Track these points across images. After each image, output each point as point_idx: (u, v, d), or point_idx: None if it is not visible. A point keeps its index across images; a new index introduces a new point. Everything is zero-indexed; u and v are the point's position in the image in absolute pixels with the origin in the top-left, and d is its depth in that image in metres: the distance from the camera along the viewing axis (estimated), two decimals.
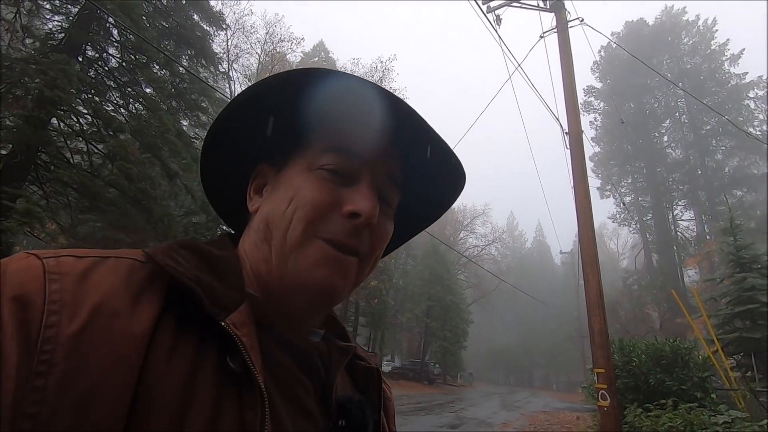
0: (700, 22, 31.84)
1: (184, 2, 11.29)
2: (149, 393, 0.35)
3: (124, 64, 10.01)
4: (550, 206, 19.20)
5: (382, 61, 25.52)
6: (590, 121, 34.49)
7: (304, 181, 0.48)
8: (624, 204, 30.34)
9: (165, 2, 10.89)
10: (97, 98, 9.24)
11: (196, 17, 11.71)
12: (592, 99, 34.46)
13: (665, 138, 33.02)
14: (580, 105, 8.38)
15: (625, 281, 29.11)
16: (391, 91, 0.52)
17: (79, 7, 9.07)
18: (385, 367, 27.08)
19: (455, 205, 0.61)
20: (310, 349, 0.50)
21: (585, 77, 37.88)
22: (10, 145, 7.74)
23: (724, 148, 29.98)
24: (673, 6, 33.32)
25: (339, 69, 0.57)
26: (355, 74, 0.48)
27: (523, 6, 9.34)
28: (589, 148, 29.12)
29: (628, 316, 23.69)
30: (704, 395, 6.78)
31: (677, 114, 32.30)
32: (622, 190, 32.42)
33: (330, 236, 0.47)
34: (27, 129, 7.36)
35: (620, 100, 30.72)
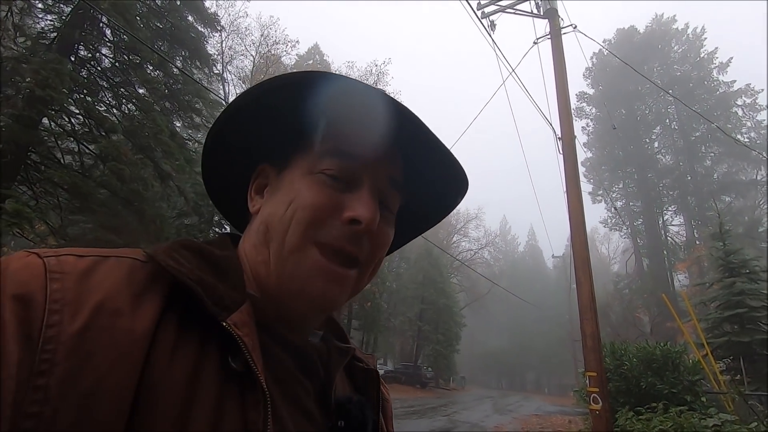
0: (689, 31, 32.40)
1: (178, 3, 11.25)
2: (152, 392, 0.35)
3: (117, 64, 9.94)
4: (542, 210, 19.37)
5: (377, 65, 25.62)
6: (582, 127, 34.89)
7: (305, 184, 0.48)
8: (615, 209, 30.67)
9: (159, 3, 10.84)
10: (89, 98, 9.16)
11: (190, 18, 11.67)
12: (584, 105, 34.85)
13: (656, 144, 33.47)
14: (572, 110, 8.46)
15: (616, 285, 29.41)
16: (392, 95, 0.52)
17: (71, 6, 8.99)
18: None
19: None
20: (310, 350, 0.50)
21: (577, 83, 38.30)
22: (0, 145, 7.64)
23: (712, 154, 30.45)
24: (663, 14, 33.88)
25: (335, 72, 0.57)
26: (358, 80, 0.48)
27: (517, 12, 9.43)
28: (581, 153, 29.42)
29: (619, 319, 23.89)
30: (694, 398, 6.85)
31: (667, 120, 32.76)
32: (614, 195, 32.77)
33: (329, 240, 0.46)
34: (17, 128, 7.27)
35: (612, 106, 31.11)
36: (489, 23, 9.44)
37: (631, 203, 32.75)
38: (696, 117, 27.26)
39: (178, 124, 11.62)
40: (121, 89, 9.94)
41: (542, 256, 62.73)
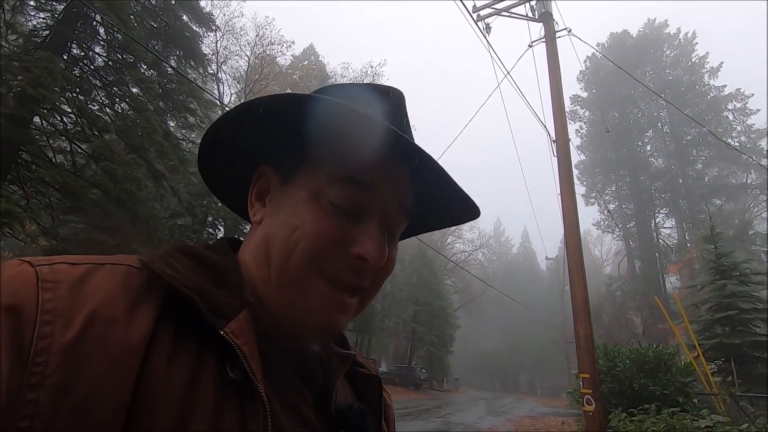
0: (681, 35, 32.79)
1: (173, 2, 11.19)
2: (147, 403, 0.34)
3: (110, 63, 9.85)
4: (536, 212, 19.49)
5: (372, 66, 25.63)
6: (576, 130, 35.15)
7: (311, 211, 0.46)
8: (609, 211, 30.91)
9: (153, 2, 10.77)
10: (81, 97, 9.07)
11: (185, 17, 11.60)
12: (578, 108, 35.12)
13: (648, 147, 33.80)
14: (566, 113, 8.52)
15: (609, 287, 29.60)
16: (408, 127, 0.53)
17: (64, 4, 8.91)
18: None
19: None
20: (310, 357, 0.50)
21: (571, 86, 38.62)
22: None
23: (704, 158, 30.81)
24: (655, 19, 34.26)
25: (346, 80, 0.56)
26: (375, 106, 0.48)
27: (512, 15, 9.49)
28: (575, 156, 29.68)
29: (612, 321, 24.05)
30: (686, 400, 6.91)
31: (659, 124, 33.11)
32: (606, 198, 33.02)
33: (333, 273, 0.45)
34: (8, 127, 7.17)
35: (605, 109, 31.39)
36: (484, 26, 9.50)
37: (623, 206, 33.04)
38: (687, 121, 27.58)
39: (172, 124, 11.55)
40: (115, 88, 9.86)
41: (536, 258, 63.09)
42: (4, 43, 8.06)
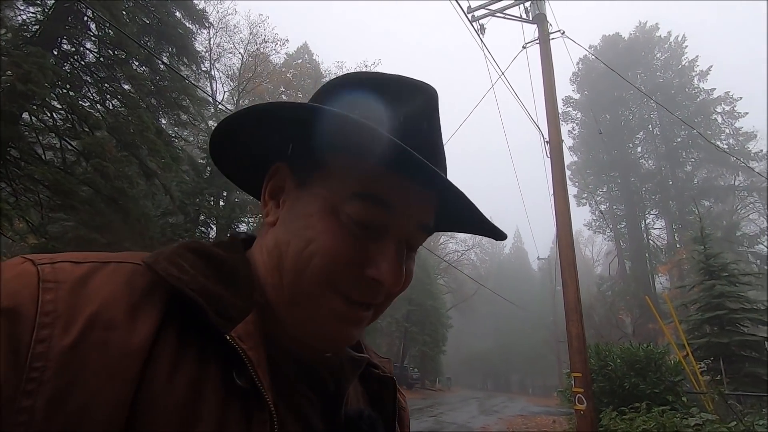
0: (671, 39, 33.18)
1: None
2: (147, 413, 0.33)
3: (101, 59, 9.73)
4: (528, 213, 19.61)
5: (366, 66, 25.59)
6: (568, 131, 35.41)
7: (327, 226, 0.43)
8: (601, 212, 31.20)
9: None
10: (72, 93, 8.95)
11: (178, 14, 11.50)
12: (570, 109, 35.40)
13: (639, 149, 34.16)
14: (559, 114, 8.59)
15: (600, 287, 29.88)
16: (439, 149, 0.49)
17: None
18: None
19: None
20: (319, 362, 0.48)
21: (564, 87, 38.96)
22: None
23: (693, 160, 31.22)
24: (646, 22, 34.64)
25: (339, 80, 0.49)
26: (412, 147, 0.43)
27: (507, 17, 9.55)
28: (567, 157, 29.87)
29: (602, 321, 24.27)
30: (676, 398, 7.01)
31: (650, 126, 33.49)
32: (598, 199, 33.32)
33: (347, 292, 0.44)
34: None
35: (597, 110, 31.69)
36: (479, 26, 9.53)
37: (614, 207, 33.37)
38: (677, 123, 27.93)
39: (164, 122, 11.44)
40: (106, 85, 9.73)
41: (527, 258, 63.44)
42: None
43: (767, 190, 26.30)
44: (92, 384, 0.32)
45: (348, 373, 0.50)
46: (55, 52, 9.06)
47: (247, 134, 0.50)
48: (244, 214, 15.38)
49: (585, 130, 34.05)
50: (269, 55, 21.67)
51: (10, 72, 7.05)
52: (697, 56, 31.63)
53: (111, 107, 9.81)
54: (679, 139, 31.36)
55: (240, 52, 21.06)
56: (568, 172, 8.48)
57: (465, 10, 9.10)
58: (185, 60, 11.65)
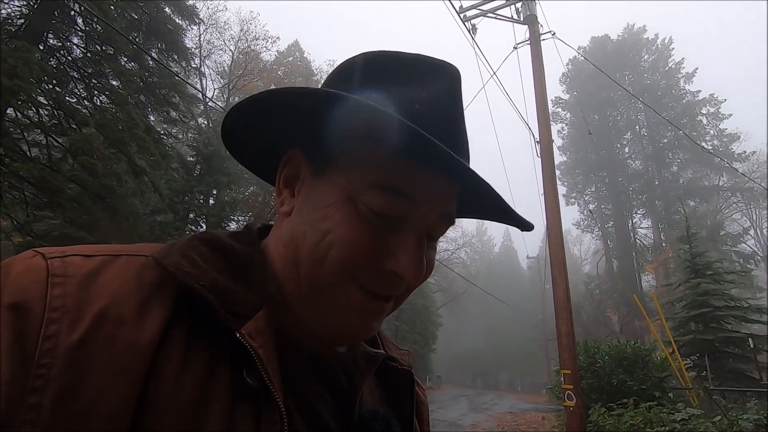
0: (658, 41, 33.66)
1: None
2: (155, 411, 0.33)
3: (89, 54, 9.56)
4: (518, 211, 19.74)
5: None
6: (558, 131, 35.74)
7: (345, 216, 0.42)
8: (590, 211, 31.56)
9: None
10: (58, 89, 8.78)
11: (167, 10, 11.34)
12: (560, 109, 35.72)
13: (626, 149, 34.62)
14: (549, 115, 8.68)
15: (588, 286, 30.27)
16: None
17: None
18: None
19: None
20: (333, 359, 0.47)
21: (554, 88, 39.31)
22: None
23: (679, 160, 31.74)
24: (634, 24, 35.09)
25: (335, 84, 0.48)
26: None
27: (498, 17, 9.61)
28: (556, 157, 30.17)
29: (590, 319, 24.58)
30: (662, 394, 7.13)
31: (637, 127, 33.95)
32: (587, 198, 33.71)
33: (366, 284, 0.42)
34: None
35: (586, 111, 32.02)
36: (471, 26, 9.58)
37: (602, 206, 33.79)
38: (664, 124, 28.36)
39: (152, 118, 11.29)
40: (93, 80, 9.57)
41: (517, 257, 63.94)
42: None
43: (750, 190, 26.91)
44: (99, 381, 0.32)
45: (362, 370, 0.48)
46: (41, 47, 8.89)
47: (260, 120, 0.48)
48: (234, 213, 15.26)
49: (574, 130, 34.40)
50: (260, 53, 21.53)
51: None
52: (683, 58, 32.19)
53: (99, 103, 9.65)
54: (665, 140, 31.87)
55: (230, 49, 20.90)
56: (557, 172, 8.58)
57: (457, 9, 9.14)
58: (175, 56, 11.50)
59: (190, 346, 0.37)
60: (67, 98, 8.88)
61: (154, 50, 11.01)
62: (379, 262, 0.42)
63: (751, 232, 31.76)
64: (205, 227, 14.87)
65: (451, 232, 37.30)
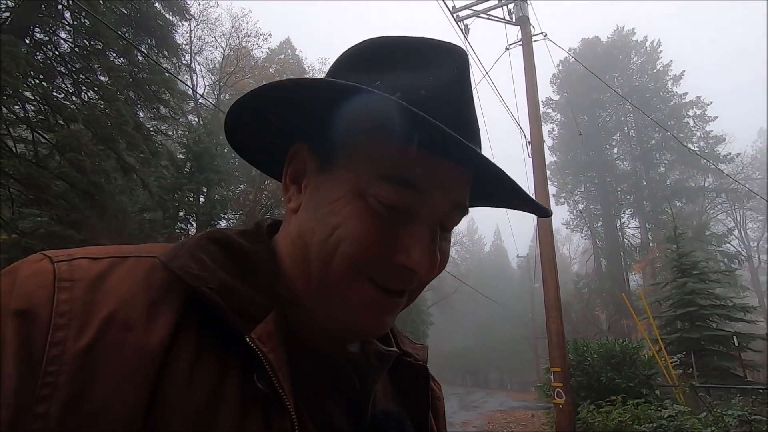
0: (647, 44, 34.12)
1: None
2: (164, 418, 0.32)
3: (77, 49, 9.40)
4: (508, 211, 19.89)
5: None
6: (548, 131, 36.04)
7: (354, 211, 0.40)
8: (580, 211, 31.89)
9: None
10: (45, 84, 8.62)
11: (158, 5, 11.21)
12: (550, 110, 36.03)
13: (615, 150, 35.05)
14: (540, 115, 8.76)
15: (576, 285, 30.62)
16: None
17: None
18: None
19: None
20: (345, 359, 0.46)
21: (545, 89, 39.64)
22: None
23: (666, 161, 32.23)
24: (624, 27, 35.52)
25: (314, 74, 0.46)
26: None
27: (491, 18, 9.66)
28: (547, 157, 30.43)
29: (579, 317, 24.88)
30: (649, 391, 7.26)
31: (626, 128, 34.39)
32: (576, 198, 34.07)
33: (378, 278, 0.41)
34: None
35: (576, 112, 32.35)
36: (464, 27, 9.62)
37: (591, 206, 34.17)
38: (652, 125, 28.77)
39: (141, 115, 11.14)
40: (82, 76, 9.41)
41: (507, 256, 64.36)
42: None
43: (734, 191, 27.44)
44: (108, 388, 0.31)
45: (375, 369, 0.47)
46: (28, 41, 8.71)
47: (262, 115, 0.46)
48: (224, 211, 15.13)
49: (564, 131, 34.73)
50: (251, 50, 21.33)
51: None
52: (671, 61, 32.68)
53: (87, 99, 9.50)
54: (653, 141, 32.32)
55: (222, 46, 20.67)
56: (547, 172, 8.65)
57: (451, 9, 9.17)
58: (165, 52, 11.36)
59: (200, 349, 0.36)
60: (55, 93, 8.72)
61: (143, 46, 10.87)
62: (390, 256, 0.40)
63: (735, 232, 32.45)
64: (195, 225, 14.72)
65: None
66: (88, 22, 8.87)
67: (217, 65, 20.58)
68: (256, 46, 21.58)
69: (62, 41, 9.49)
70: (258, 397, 0.36)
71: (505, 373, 53.43)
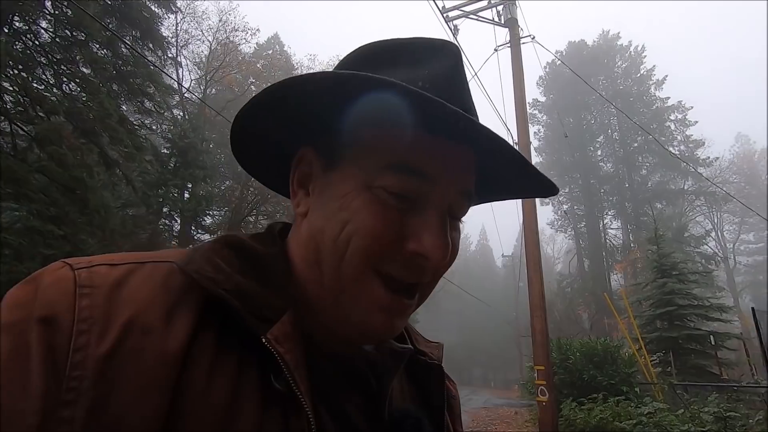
0: (631, 48, 34.78)
1: None
2: (185, 418, 0.33)
3: (58, 39, 9.14)
4: (494, 211, 20.09)
5: (339, 59, 25.29)
6: (534, 132, 36.47)
7: (362, 203, 0.40)
8: (565, 212, 32.36)
9: None
10: (24, 74, 8.36)
11: None
12: (536, 112, 36.46)
13: (599, 152, 35.67)
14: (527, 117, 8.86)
15: (560, 284, 31.12)
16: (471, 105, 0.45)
17: None
18: None
19: None
20: (360, 359, 0.46)
21: (531, 90, 40.07)
22: None
23: (648, 164, 32.94)
24: (609, 31, 36.14)
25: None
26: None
27: (480, 19, 9.72)
28: (533, 158, 30.78)
29: (562, 316, 25.28)
30: (630, 389, 7.43)
31: (609, 131, 35.02)
32: (561, 199, 34.56)
33: (390, 272, 0.41)
34: None
35: (561, 114, 32.81)
36: (453, 27, 9.66)
37: (575, 207, 34.73)
38: (635, 129, 29.34)
39: (126, 108, 10.91)
40: (63, 67, 9.16)
41: (492, 256, 65.01)
42: None
43: (712, 194, 28.20)
44: (129, 391, 0.32)
45: (390, 368, 0.47)
46: (6, 30, 8.45)
47: (265, 123, 0.46)
48: (210, 207, 14.93)
49: (550, 132, 35.20)
50: (239, 45, 21.05)
51: None
52: (654, 66, 33.37)
53: (69, 91, 9.26)
54: (635, 144, 32.98)
55: (208, 40, 20.33)
56: None
57: (440, 9, 9.20)
58: (150, 45, 11.13)
59: (218, 352, 0.37)
60: (35, 84, 8.47)
61: (128, 38, 10.63)
62: (402, 246, 0.40)
63: (713, 234, 33.39)
64: (179, 222, 14.49)
65: None
66: (70, 12, 8.63)
67: (203, 59, 20.25)
68: (244, 41, 21.33)
69: (43, 31, 9.22)
70: (276, 397, 0.37)
71: (490, 370, 54.04)
